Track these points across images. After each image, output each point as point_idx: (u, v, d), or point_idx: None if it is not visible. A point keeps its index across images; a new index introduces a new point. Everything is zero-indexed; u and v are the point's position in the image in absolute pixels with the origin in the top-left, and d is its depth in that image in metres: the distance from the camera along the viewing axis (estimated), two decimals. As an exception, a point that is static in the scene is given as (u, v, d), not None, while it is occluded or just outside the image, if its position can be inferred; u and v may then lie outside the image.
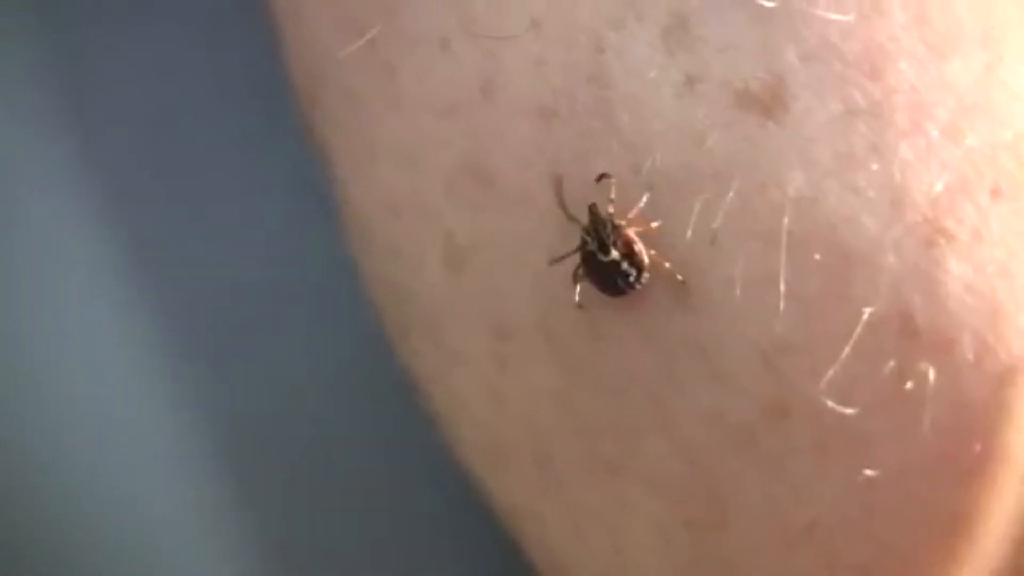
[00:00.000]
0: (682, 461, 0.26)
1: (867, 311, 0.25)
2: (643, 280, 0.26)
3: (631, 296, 0.26)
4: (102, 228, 0.35)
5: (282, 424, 0.35)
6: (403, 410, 0.32)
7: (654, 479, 0.27)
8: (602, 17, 0.25)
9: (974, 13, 0.25)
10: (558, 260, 0.26)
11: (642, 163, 0.25)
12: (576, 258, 0.26)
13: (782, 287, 0.25)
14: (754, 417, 0.25)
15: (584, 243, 0.26)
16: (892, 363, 0.25)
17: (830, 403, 0.25)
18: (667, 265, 0.25)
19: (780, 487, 0.26)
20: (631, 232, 0.26)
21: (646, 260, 0.26)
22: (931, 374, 0.25)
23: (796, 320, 0.25)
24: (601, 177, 0.25)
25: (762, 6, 0.25)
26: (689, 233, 0.25)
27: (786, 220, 0.25)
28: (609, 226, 0.26)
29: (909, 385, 0.25)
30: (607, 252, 0.26)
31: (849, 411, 0.25)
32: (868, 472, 0.25)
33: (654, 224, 0.25)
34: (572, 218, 0.26)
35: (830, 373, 0.25)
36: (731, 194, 0.25)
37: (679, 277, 0.25)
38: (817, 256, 0.25)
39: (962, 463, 0.25)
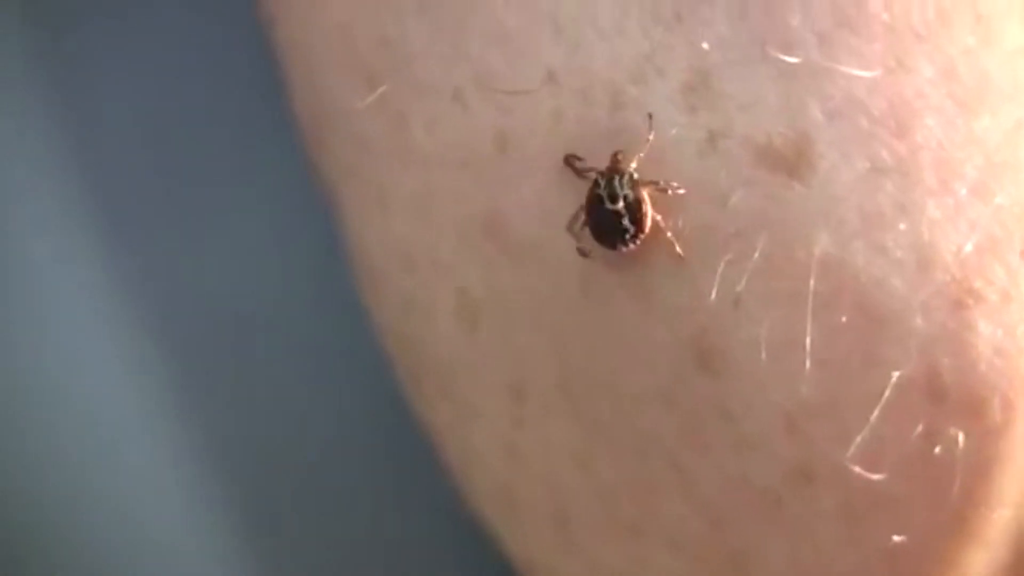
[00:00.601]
0: (705, 523, 0.26)
1: (895, 374, 0.24)
2: (637, 242, 0.25)
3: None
4: (105, 260, 0.35)
5: (285, 451, 0.35)
6: (406, 432, 0.31)
7: (676, 540, 0.26)
8: (621, 71, 0.25)
9: (1003, 67, 0.24)
10: (572, 223, 0.25)
11: (663, 221, 0.25)
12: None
13: (808, 350, 0.24)
14: (779, 481, 0.25)
15: (595, 185, 0.25)
16: (920, 427, 0.24)
17: (857, 469, 0.24)
18: (668, 235, 0.25)
19: (805, 551, 0.25)
20: (646, 192, 0.25)
21: (648, 224, 0.25)
22: (960, 438, 0.24)
23: (822, 383, 0.24)
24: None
25: (785, 61, 0.24)
26: (713, 294, 0.24)
27: (812, 282, 0.24)
28: (627, 177, 0.25)
29: (938, 450, 0.24)
30: (614, 200, 0.25)
31: (877, 477, 0.24)
32: (896, 538, 0.25)
33: (680, 190, 0.24)
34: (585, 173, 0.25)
35: (858, 438, 0.24)
36: (756, 255, 0.24)
37: (678, 250, 0.24)
38: (844, 318, 0.24)
39: (992, 529, 0.25)
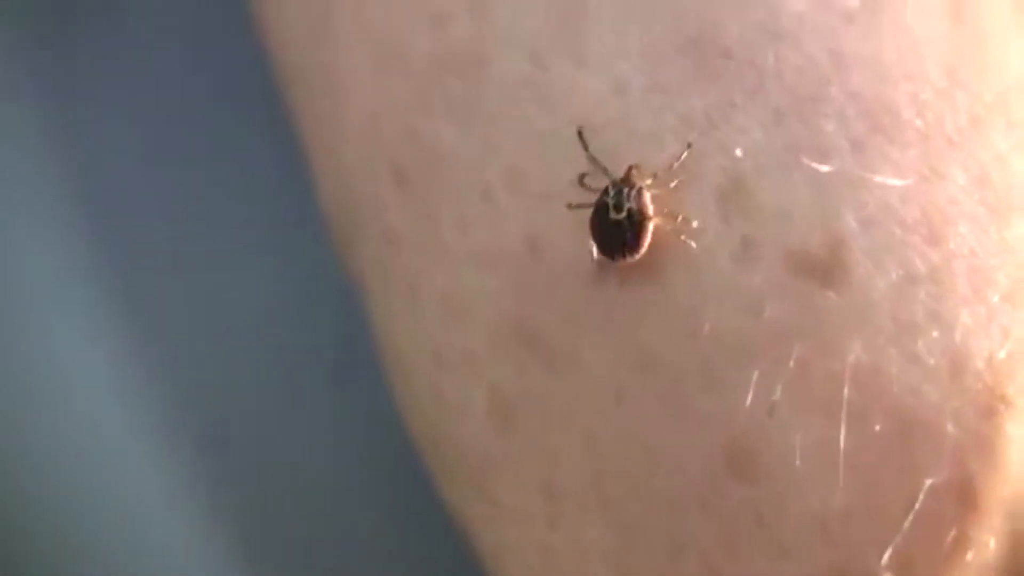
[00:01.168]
0: None
1: (928, 481, 0.24)
2: (636, 255, 0.25)
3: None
4: (114, 314, 0.35)
5: (280, 463, 0.35)
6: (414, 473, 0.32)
7: None
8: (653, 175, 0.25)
9: None
10: (575, 207, 0.25)
11: (697, 329, 0.25)
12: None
13: (842, 457, 0.24)
14: None
15: (605, 192, 0.25)
16: (953, 532, 0.24)
17: (890, 575, 0.25)
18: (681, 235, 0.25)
19: None
20: (650, 206, 0.25)
21: (647, 239, 0.25)
22: (992, 543, 0.25)
23: (856, 490, 0.24)
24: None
25: (819, 170, 0.24)
26: (747, 402, 0.24)
27: (846, 390, 0.24)
28: (635, 190, 0.25)
29: (970, 556, 0.24)
30: (619, 210, 0.25)
31: None
32: None
33: (694, 222, 0.25)
34: (602, 169, 0.25)
35: (891, 545, 0.24)
36: (790, 363, 0.24)
37: (692, 243, 0.24)
38: (877, 426, 0.24)
39: None
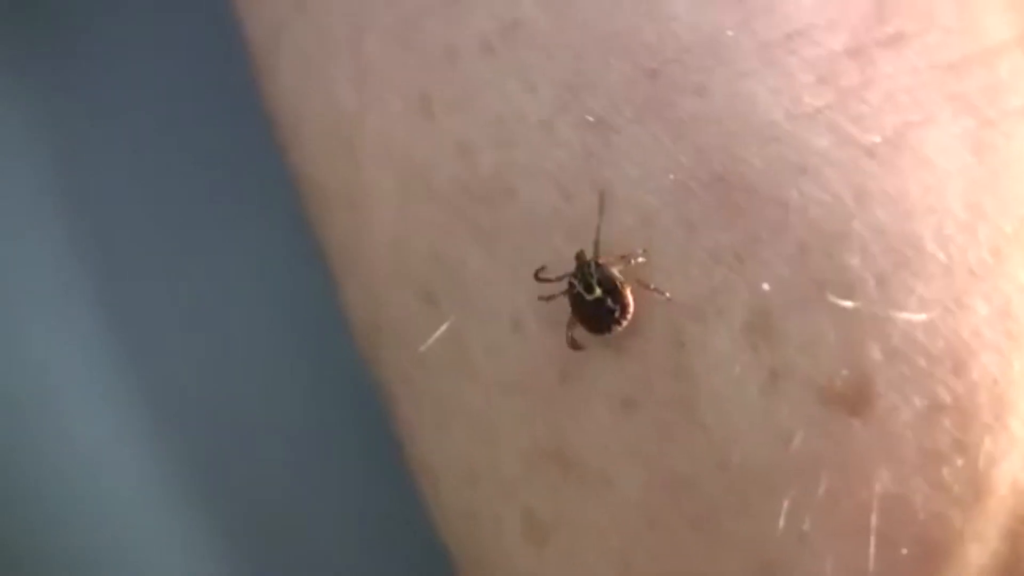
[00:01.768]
0: None
1: None
2: (627, 317, 0.26)
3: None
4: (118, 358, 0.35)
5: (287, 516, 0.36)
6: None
7: None
8: (682, 309, 0.25)
9: None
10: (546, 298, 0.26)
11: (728, 460, 0.25)
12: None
13: None
14: None
15: (571, 286, 0.26)
16: None
17: None
18: (651, 287, 0.25)
19: None
20: (615, 270, 0.26)
21: (631, 299, 0.26)
22: None
23: None
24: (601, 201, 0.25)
25: (844, 306, 0.25)
26: (778, 530, 0.25)
27: (874, 518, 0.25)
28: (592, 266, 0.26)
29: None
30: (591, 290, 0.26)
31: None
32: None
33: (666, 294, 0.25)
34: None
35: None
36: (819, 492, 0.25)
37: (667, 295, 0.25)
38: (904, 550, 0.25)
39: None
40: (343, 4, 0.28)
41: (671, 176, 0.25)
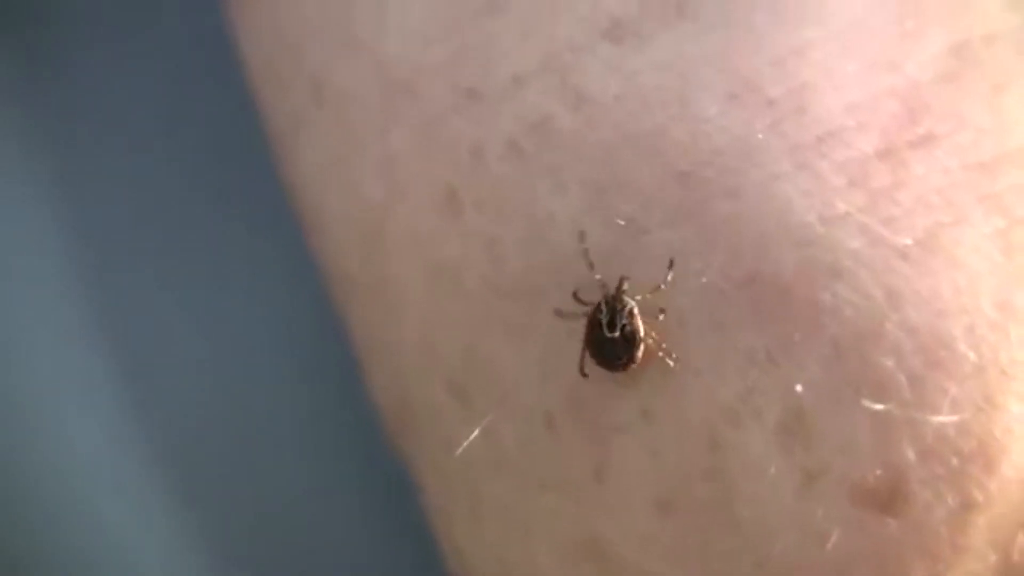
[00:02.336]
0: None
1: None
2: (631, 367, 0.26)
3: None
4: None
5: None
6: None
7: None
8: (715, 410, 0.25)
9: None
10: (563, 315, 0.26)
11: (765, 559, 0.25)
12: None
13: None
14: None
15: (598, 310, 0.26)
16: None
17: None
18: (660, 353, 0.26)
19: None
20: (641, 324, 0.26)
21: (639, 355, 0.26)
22: None
23: None
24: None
25: (877, 409, 0.25)
26: None
27: None
28: (627, 310, 0.26)
29: None
30: (612, 329, 0.26)
31: None
32: None
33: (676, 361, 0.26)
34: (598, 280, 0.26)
35: None
36: None
37: (670, 362, 0.26)
38: None
39: None
40: (365, 99, 0.28)
41: (703, 279, 0.25)
